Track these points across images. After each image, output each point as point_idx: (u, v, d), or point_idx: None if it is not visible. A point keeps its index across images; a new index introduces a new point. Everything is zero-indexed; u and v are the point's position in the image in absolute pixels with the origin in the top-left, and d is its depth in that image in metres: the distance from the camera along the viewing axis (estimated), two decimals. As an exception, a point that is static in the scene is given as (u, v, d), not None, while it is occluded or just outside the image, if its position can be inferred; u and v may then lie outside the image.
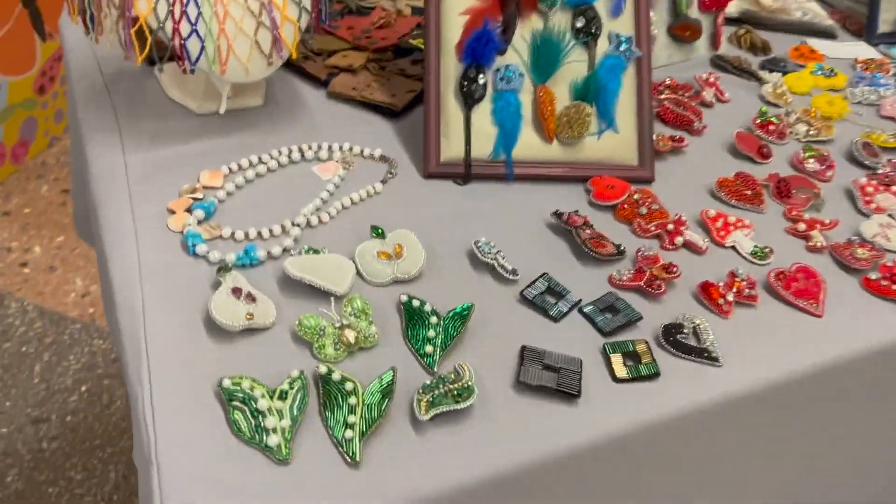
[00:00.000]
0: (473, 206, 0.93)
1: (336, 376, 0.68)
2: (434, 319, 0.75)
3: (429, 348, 0.72)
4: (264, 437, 0.63)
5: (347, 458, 0.63)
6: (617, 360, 0.75)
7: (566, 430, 0.68)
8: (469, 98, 0.96)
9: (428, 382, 0.69)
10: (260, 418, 0.64)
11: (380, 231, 0.83)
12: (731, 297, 0.82)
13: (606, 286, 0.84)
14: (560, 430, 0.68)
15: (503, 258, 0.83)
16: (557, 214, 0.89)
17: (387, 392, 0.67)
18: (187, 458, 0.62)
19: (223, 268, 0.76)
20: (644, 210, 0.93)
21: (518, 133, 0.96)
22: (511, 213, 0.92)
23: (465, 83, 0.96)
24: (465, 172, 0.95)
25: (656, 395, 0.72)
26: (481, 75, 0.96)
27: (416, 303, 0.76)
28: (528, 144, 0.97)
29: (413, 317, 0.75)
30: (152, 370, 0.68)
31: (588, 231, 0.87)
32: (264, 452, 0.63)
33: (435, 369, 0.71)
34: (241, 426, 0.64)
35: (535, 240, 0.89)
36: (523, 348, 0.74)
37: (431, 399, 0.66)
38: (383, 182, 0.94)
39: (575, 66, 0.98)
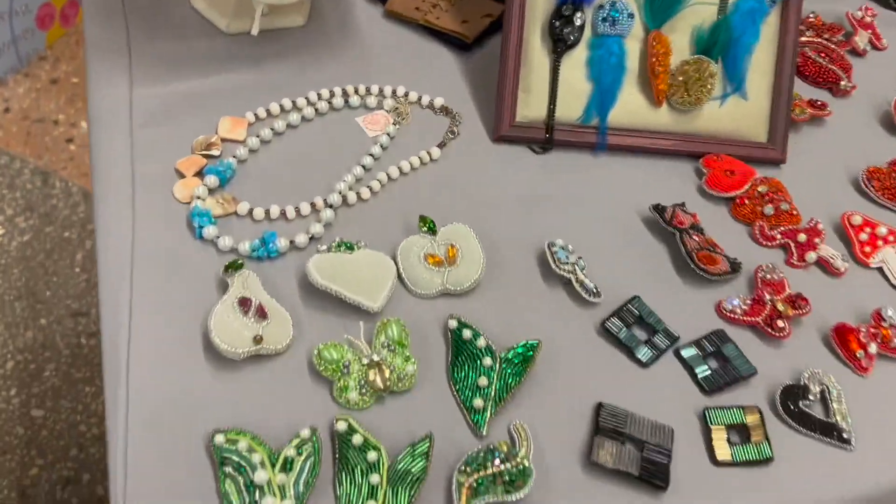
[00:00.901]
0: (552, 185, 0.74)
1: (357, 440, 0.53)
2: (488, 361, 0.58)
3: (478, 402, 0.57)
4: (259, 523, 0.49)
5: (363, 558, 0.49)
6: (719, 434, 0.58)
7: (645, 533, 0.53)
8: (560, 42, 0.75)
9: (473, 454, 0.53)
10: (256, 495, 0.50)
11: (430, 224, 0.66)
12: (873, 349, 0.63)
13: (713, 316, 0.65)
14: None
15: (584, 271, 0.65)
16: (658, 210, 0.70)
17: (418, 473, 0.52)
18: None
19: (233, 265, 0.61)
20: (769, 209, 0.72)
21: (618, 91, 0.75)
22: (599, 198, 0.73)
23: (557, 23, 0.74)
24: (546, 138, 0.76)
25: (766, 487, 0.56)
26: (578, 14, 0.74)
27: (467, 333, 0.60)
28: (630, 107, 0.76)
29: (462, 353, 0.59)
30: (131, 407, 0.54)
31: (696, 238, 0.68)
32: (258, 541, 0.49)
33: (483, 432, 0.56)
34: (231, 501, 0.50)
35: (626, 239, 0.70)
36: (599, 407, 0.58)
37: (475, 486, 0.52)
38: (441, 146, 0.75)
39: (700, 9, 0.75)
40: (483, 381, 0.57)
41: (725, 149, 0.77)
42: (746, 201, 0.73)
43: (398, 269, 0.63)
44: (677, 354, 0.62)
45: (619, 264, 0.68)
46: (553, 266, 0.64)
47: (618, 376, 0.61)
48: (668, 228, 0.69)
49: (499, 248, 0.67)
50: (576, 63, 0.75)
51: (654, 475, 0.54)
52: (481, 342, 0.59)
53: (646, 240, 0.71)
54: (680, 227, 0.69)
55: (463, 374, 0.58)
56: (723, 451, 0.57)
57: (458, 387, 0.58)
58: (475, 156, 0.75)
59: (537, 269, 0.67)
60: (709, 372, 0.61)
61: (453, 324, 0.60)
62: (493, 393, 0.57)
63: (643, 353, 0.62)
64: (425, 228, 0.65)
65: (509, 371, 0.58)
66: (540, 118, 0.76)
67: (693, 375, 0.61)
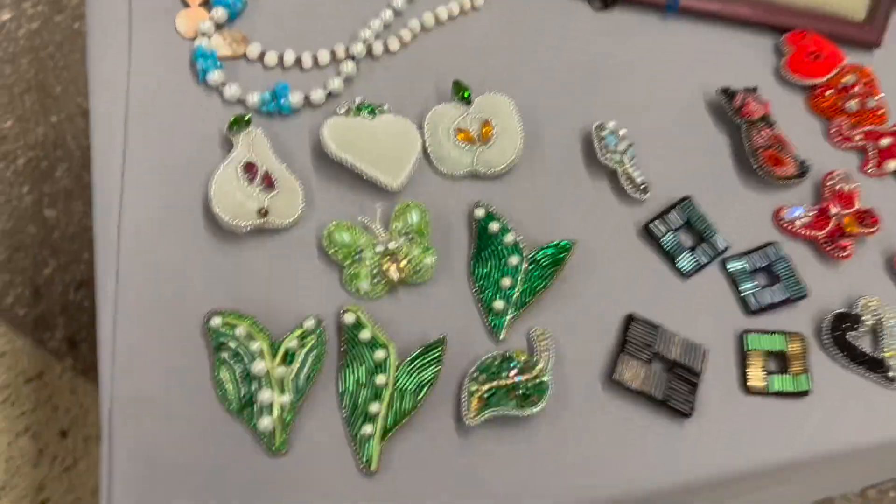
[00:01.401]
0: (609, 50, 0.64)
1: (364, 335, 0.49)
2: (514, 260, 0.53)
3: (499, 304, 0.52)
4: (254, 417, 0.46)
5: (360, 462, 0.47)
6: (756, 361, 0.53)
7: (666, 461, 0.50)
8: None
9: (487, 361, 0.49)
10: (253, 386, 0.47)
11: (465, 92, 0.57)
12: (942, 280, 0.57)
13: (769, 226, 0.59)
14: (660, 462, 0.50)
15: (633, 162, 0.58)
16: (727, 95, 0.61)
17: (429, 376, 0.48)
18: (150, 416, 0.46)
19: (239, 120, 0.53)
20: (853, 104, 0.63)
21: (702, -56, 0.63)
22: (660, 72, 0.64)
23: None
24: (609, -9, 0.65)
25: (797, 422, 0.52)
26: None
27: (494, 226, 0.54)
28: (713, -36, 0.64)
29: (486, 247, 0.53)
30: (121, 278, 0.50)
31: (765, 133, 0.60)
32: (252, 434, 0.47)
33: (501, 337, 0.51)
34: (226, 390, 0.47)
35: (684, 127, 0.62)
36: (629, 319, 0.53)
37: (487, 397, 0.48)
38: (487, -9, 0.65)
39: None
40: (507, 281, 0.52)
41: (814, 24, 0.66)
42: (828, 92, 0.64)
43: (423, 142, 0.56)
44: (722, 266, 0.56)
45: (674, 157, 0.60)
46: (599, 153, 0.57)
47: (655, 286, 0.55)
48: (735, 119, 0.60)
49: (540, 125, 0.59)
50: None
51: (678, 401, 0.50)
52: (509, 238, 0.53)
53: (707, 129, 0.62)
54: (749, 118, 0.60)
55: (485, 271, 0.53)
56: (756, 379, 0.53)
57: (478, 284, 0.53)
58: (526, 6, 0.65)
59: (580, 154, 0.59)
60: (755, 289, 0.56)
61: (480, 213, 0.54)
62: (515, 296, 0.52)
63: (685, 261, 0.56)
64: (458, 96, 0.57)
65: (537, 273, 0.53)
66: (605, -33, 0.64)
67: (737, 292, 0.56)
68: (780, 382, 0.53)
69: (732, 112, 0.60)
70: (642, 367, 0.51)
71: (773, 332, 0.54)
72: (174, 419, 0.46)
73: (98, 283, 0.50)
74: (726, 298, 0.56)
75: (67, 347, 1.39)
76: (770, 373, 0.53)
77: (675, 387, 0.51)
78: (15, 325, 1.36)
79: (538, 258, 0.53)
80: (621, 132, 0.58)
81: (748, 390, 0.53)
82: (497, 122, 0.57)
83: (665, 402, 0.50)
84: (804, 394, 0.53)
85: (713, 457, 0.51)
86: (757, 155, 0.59)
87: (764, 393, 0.53)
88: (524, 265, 0.53)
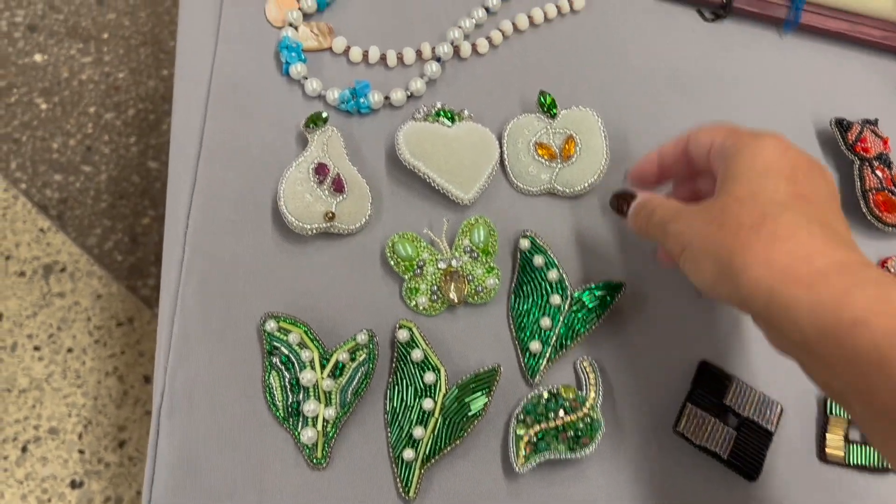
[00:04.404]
0: (717, 66, 0.59)
1: (417, 355, 0.47)
2: (557, 300, 0.49)
3: (535, 345, 0.49)
4: (299, 426, 0.46)
5: (401, 487, 0.46)
6: (837, 427, 0.49)
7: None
8: None
9: (534, 400, 0.47)
10: (301, 395, 0.46)
11: (550, 103, 0.54)
12: None
13: (871, 277, 0.53)
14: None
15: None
16: (842, 127, 0.55)
17: (477, 408, 0.47)
18: (198, 411, 0.46)
19: (315, 118, 0.52)
20: None
21: (834, -44, 0.57)
22: (771, 94, 0.59)
23: None
24: (724, 1, 0.60)
25: (874, 501, 0.48)
26: None
27: (538, 259, 0.50)
28: (843, -21, 0.58)
29: (528, 281, 0.50)
30: (186, 261, 0.50)
31: (879, 174, 0.54)
32: (295, 442, 0.46)
33: (535, 379, 0.49)
34: (274, 396, 0.47)
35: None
36: (701, 366, 0.49)
37: (535, 441, 0.46)
38: (589, -6, 0.61)
39: None
40: (546, 322, 0.49)
41: (956, 53, 0.59)
42: (962, 132, 0.57)
43: (501, 153, 0.54)
44: (813, 318, 0.52)
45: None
46: (689, 181, 0.52)
47: (731, 333, 0.51)
48: (848, 154, 0.55)
49: (628, 142, 0.56)
50: None
51: (745, 462, 0.47)
52: (553, 274, 0.50)
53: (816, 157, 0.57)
54: (863, 154, 0.54)
55: (525, 307, 0.50)
56: (835, 448, 0.48)
57: (517, 322, 0.50)
58: (628, 12, 0.61)
59: (669, 179, 0.55)
60: (846, 347, 0.51)
61: (524, 244, 0.51)
62: (553, 339, 0.49)
63: (772, 309, 0.51)
64: (543, 107, 0.54)
65: (580, 315, 0.49)
66: (721, -25, 0.59)
67: (825, 348, 0.51)
68: (861, 455, 0.48)
69: (845, 146, 0.55)
70: (709, 420, 0.48)
71: (860, 398, 0.49)
72: (222, 418, 0.46)
73: (163, 268, 0.50)
74: (812, 353, 0.51)
75: (157, 296, 1.45)
76: (852, 442, 0.48)
77: (743, 445, 0.47)
78: (112, 270, 1.43)
79: (584, 297, 0.50)
80: (717, 160, 0.54)
81: (825, 458, 0.48)
82: (581, 139, 0.53)
83: (730, 462, 0.47)
84: (886, 471, 0.48)
85: (776, 527, 0.47)
86: (867, 197, 0.53)
87: (842, 464, 0.48)
88: (567, 305, 0.50)
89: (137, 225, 1.48)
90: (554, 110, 0.54)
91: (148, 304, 1.42)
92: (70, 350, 1.36)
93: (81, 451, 1.30)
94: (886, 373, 0.30)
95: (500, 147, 0.54)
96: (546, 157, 0.53)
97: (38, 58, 1.59)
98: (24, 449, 1.29)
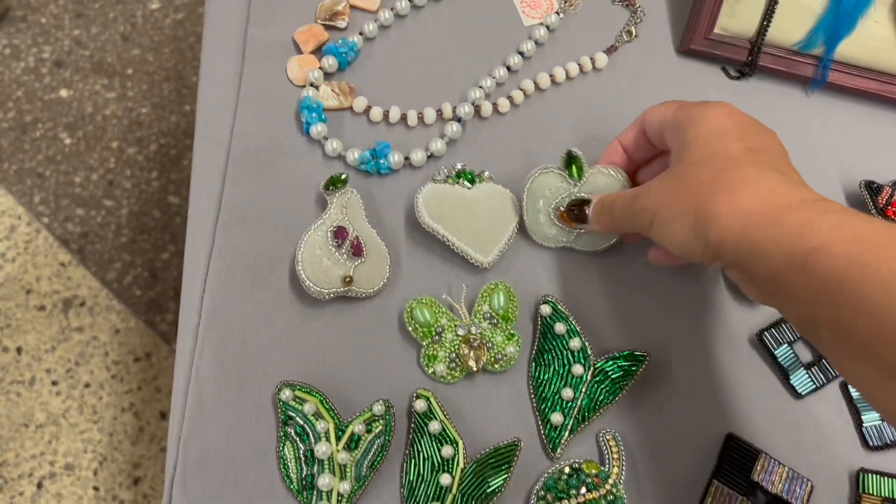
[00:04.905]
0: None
1: (434, 427, 0.46)
2: (579, 370, 0.48)
3: (556, 417, 0.48)
4: (312, 499, 0.45)
5: (414, 565, 0.44)
6: (870, 507, 0.47)
7: None
8: (800, -63, 0.55)
9: (555, 476, 0.46)
10: (315, 468, 0.45)
11: (577, 164, 0.52)
12: None
13: (903, 346, 0.52)
14: None
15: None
16: (872, 189, 0.54)
17: (495, 487, 0.45)
18: (211, 481, 0.45)
19: (335, 180, 0.52)
20: None
21: (860, 17, 0.57)
22: (799, 153, 0.57)
23: None
24: (749, 60, 0.59)
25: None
26: None
27: (560, 327, 0.49)
28: (870, 40, 0.57)
29: (550, 349, 0.49)
30: (202, 327, 0.49)
31: (912, 240, 0.52)
32: (309, 516, 0.45)
33: (556, 454, 0.47)
34: (288, 468, 0.46)
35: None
36: (728, 439, 0.48)
37: (557, 517, 0.44)
38: (610, 51, 0.60)
39: None
40: (568, 392, 0.48)
41: None
42: None
43: (521, 210, 0.53)
44: (844, 389, 0.50)
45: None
46: (714, 247, 0.51)
47: (761, 405, 0.50)
48: (878, 218, 0.53)
49: (652, 205, 0.54)
50: (814, -32, 0.56)
51: (773, 544, 0.45)
52: (575, 343, 0.49)
53: (843, 225, 0.55)
54: (894, 218, 0.53)
55: (546, 376, 0.49)
56: (868, 530, 0.47)
57: (537, 392, 0.49)
58: (651, 70, 0.60)
59: (693, 243, 0.54)
60: (878, 421, 0.49)
61: (546, 310, 0.50)
62: (575, 410, 0.48)
63: (801, 379, 0.50)
64: (568, 169, 0.53)
65: (604, 387, 0.48)
66: (746, 33, 0.59)
67: (858, 421, 0.49)
68: (896, 536, 0.46)
69: (876, 209, 0.54)
70: (737, 499, 0.46)
71: (894, 476, 0.47)
72: (235, 489, 0.45)
73: (178, 336, 0.50)
74: (844, 427, 0.50)
75: (175, 332, 1.45)
76: (885, 524, 0.47)
77: (770, 525, 0.46)
78: (131, 304, 1.43)
79: (607, 368, 0.49)
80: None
81: (856, 539, 0.47)
82: None
83: (756, 543, 0.45)
84: (924, 553, 0.46)
85: None
86: (899, 265, 0.52)
87: (875, 546, 0.46)
88: (589, 375, 0.48)
89: (157, 260, 1.49)
90: (581, 172, 0.51)
91: (166, 340, 1.42)
92: (87, 385, 1.36)
93: (96, 488, 1.30)
94: (847, 296, 0.31)
95: (520, 204, 0.53)
96: (566, 224, 0.52)
97: (63, 93, 1.62)
98: (39, 485, 1.28)
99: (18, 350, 1.38)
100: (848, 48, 0.57)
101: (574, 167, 0.52)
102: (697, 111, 0.42)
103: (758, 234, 0.35)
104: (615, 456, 0.47)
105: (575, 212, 0.49)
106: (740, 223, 0.36)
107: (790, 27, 0.58)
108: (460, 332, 0.49)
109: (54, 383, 1.36)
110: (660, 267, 0.52)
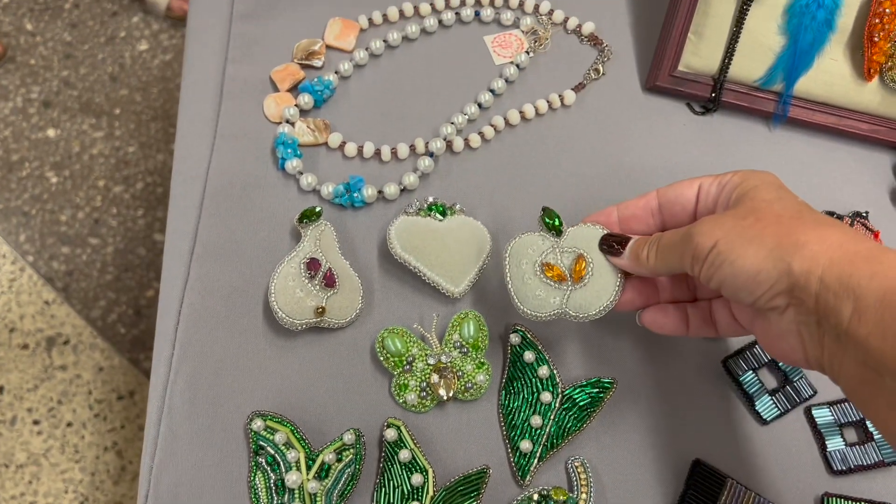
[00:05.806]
0: (706, 157, 0.60)
1: (404, 456, 0.47)
2: (547, 397, 0.49)
3: (525, 444, 0.48)
4: (283, 529, 0.45)
5: None
6: (835, 532, 0.48)
7: None
8: (756, -21, 0.58)
9: (522, 501, 0.46)
10: (286, 497, 0.46)
11: (556, 222, 0.49)
12: None
13: (866, 372, 0.53)
14: None
15: (716, 289, 0.53)
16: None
17: (465, 513, 0.46)
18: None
19: (309, 213, 0.53)
20: (982, 242, 0.56)
21: (817, 55, 0.59)
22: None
23: (758, -46, 0.57)
24: (712, 96, 0.61)
25: None
26: (790, -54, 0.56)
27: (529, 356, 0.50)
28: (827, 77, 0.60)
29: (519, 377, 0.50)
30: (175, 357, 0.50)
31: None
32: (280, 546, 0.45)
33: (525, 480, 0.48)
34: (259, 496, 0.46)
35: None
36: (695, 465, 0.49)
37: (525, 543, 0.45)
38: (578, 88, 0.62)
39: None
40: (536, 420, 0.49)
41: (943, 147, 0.60)
42: (952, 225, 0.57)
43: (505, 277, 0.49)
44: (808, 415, 0.51)
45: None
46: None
47: (726, 431, 0.51)
48: (839, 247, 0.55)
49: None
50: (770, 10, 0.58)
51: (740, 570, 0.46)
52: (543, 371, 0.50)
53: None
54: (854, 248, 0.54)
55: (515, 404, 0.50)
56: (833, 554, 0.47)
57: (507, 419, 0.49)
58: (618, 106, 0.62)
59: (660, 272, 0.55)
60: (842, 446, 0.50)
61: (515, 339, 0.51)
62: (543, 438, 0.49)
63: (766, 405, 0.51)
64: (548, 225, 0.49)
65: (571, 414, 0.49)
66: (709, 70, 0.61)
67: (822, 446, 0.50)
68: (861, 560, 0.47)
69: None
70: (702, 524, 0.47)
71: (858, 501, 0.48)
72: (206, 518, 0.46)
73: (153, 366, 0.50)
74: (808, 452, 0.50)
75: (159, 370, 1.44)
76: (851, 547, 0.47)
77: (737, 550, 0.46)
78: (115, 342, 1.43)
79: (574, 395, 0.49)
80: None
81: (823, 565, 0.47)
82: (593, 257, 0.47)
83: (724, 568, 0.46)
84: (889, 576, 0.47)
85: None
86: (859, 292, 0.53)
87: (841, 570, 0.47)
88: (557, 403, 0.49)
89: (142, 297, 1.49)
90: (560, 227, 0.48)
91: (149, 378, 1.41)
92: (70, 424, 1.35)
93: (76, 530, 1.28)
94: None
95: (504, 270, 0.49)
96: (555, 279, 0.47)
97: (50, 132, 1.63)
98: (18, 527, 1.27)
99: (0, 389, 1.37)
100: (807, 84, 0.60)
101: (554, 221, 0.49)
102: (750, 172, 0.42)
103: (850, 269, 0.34)
104: (583, 483, 0.47)
105: (612, 241, 0.46)
106: (829, 255, 0.35)
107: (750, 65, 0.60)
108: (431, 361, 0.50)
109: (36, 422, 1.35)
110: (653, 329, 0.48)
